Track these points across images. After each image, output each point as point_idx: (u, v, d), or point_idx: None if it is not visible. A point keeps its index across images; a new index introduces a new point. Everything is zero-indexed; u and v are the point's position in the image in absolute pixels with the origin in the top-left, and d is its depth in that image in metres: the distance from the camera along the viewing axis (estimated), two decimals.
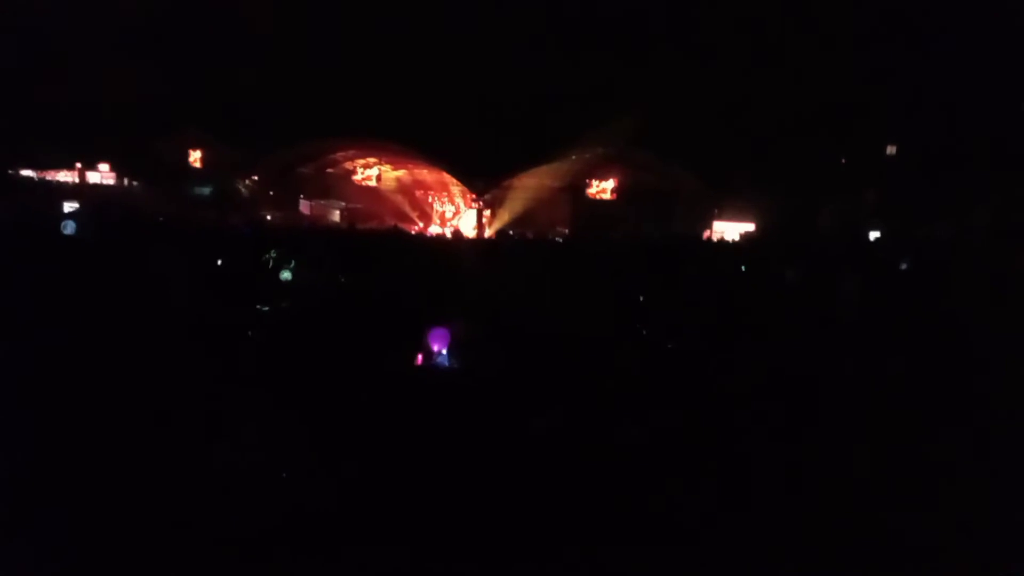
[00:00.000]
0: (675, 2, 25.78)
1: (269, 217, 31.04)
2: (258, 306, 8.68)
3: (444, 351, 7.26)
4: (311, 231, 23.32)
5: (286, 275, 11.20)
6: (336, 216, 33.59)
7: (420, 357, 7.15)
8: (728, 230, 29.61)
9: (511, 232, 29.30)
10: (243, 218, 24.07)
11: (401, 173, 34.49)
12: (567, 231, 29.89)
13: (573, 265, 15.54)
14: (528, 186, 30.52)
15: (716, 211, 30.26)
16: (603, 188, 31.59)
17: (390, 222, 30.25)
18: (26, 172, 30.97)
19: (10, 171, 30.10)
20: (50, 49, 25.01)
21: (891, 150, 28.57)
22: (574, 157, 29.27)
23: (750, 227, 29.01)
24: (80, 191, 29.42)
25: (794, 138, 26.12)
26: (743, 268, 16.57)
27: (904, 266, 15.61)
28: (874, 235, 26.06)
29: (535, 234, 27.65)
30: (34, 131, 28.96)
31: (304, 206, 33.99)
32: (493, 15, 26.15)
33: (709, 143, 26.07)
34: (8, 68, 24.56)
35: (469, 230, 31.42)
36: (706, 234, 29.91)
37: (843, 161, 28.60)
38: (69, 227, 10.88)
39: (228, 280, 9.35)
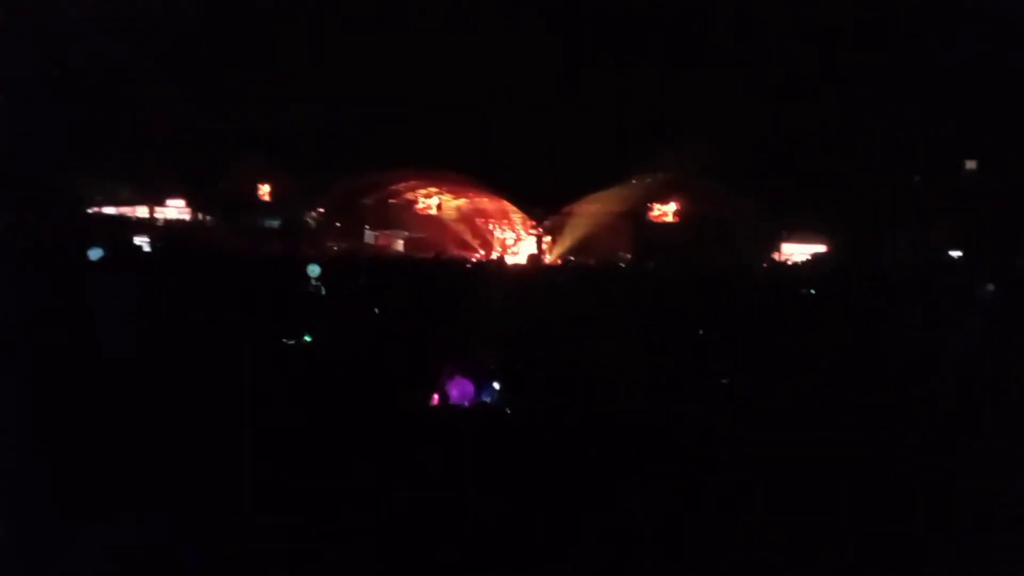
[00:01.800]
0: (737, 27, 25.30)
1: (335, 248, 31.70)
2: (284, 339, 8.67)
3: (471, 389, 7.03)
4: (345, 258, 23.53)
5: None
6: (399, 245, 34.04)
7: (436, 397, 6.93)
8: (797, 252, 28.69)
9: (571, 258, 29.07)
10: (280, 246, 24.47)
11: (462, 202, 34.75)
12: (629, 257, 29.45)
13: (630, 293, 15.20)
14: (588, 212, 30.29)
15: (784, 233, 29.39)
16: (664, 212, 31.08)
17: (451, 250, 30.45)
18: (108, 209, 32.46)
19: (94, 208, 31.60)
20: (125, 88, 26.16)
21: (971, 165, 27.27)
22: (635, 182, 28.91)
23: (820, 248, 28.03)
24: (152, 226, 30.60)
25: (866, 156, 25.19)
26: (812, 293, 15.92)
27: (989, 290, 14.68)
28: (954, 255, 24.85)
29: (596, 260, 27.33)
30: (113, 169, 30.44)
31: (368, 236, 34.57)
32: (554, 46, 26.21)
33: (775, 163, 25.39)
34: (86, 108, 25.85)
35: (531, 256, 31.33)
36: (775, 256, 29.06)
37: (917, 178, 27.42)
38: (95, 254, 11.15)
39: (250, 309, 9.40)
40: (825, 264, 25.04)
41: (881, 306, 11.56)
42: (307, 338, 8.77)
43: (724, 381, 8.59)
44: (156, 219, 32.91)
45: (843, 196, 25.50)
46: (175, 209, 34.13)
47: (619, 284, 18.79)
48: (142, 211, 33.47)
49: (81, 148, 27.35)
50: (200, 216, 34.31)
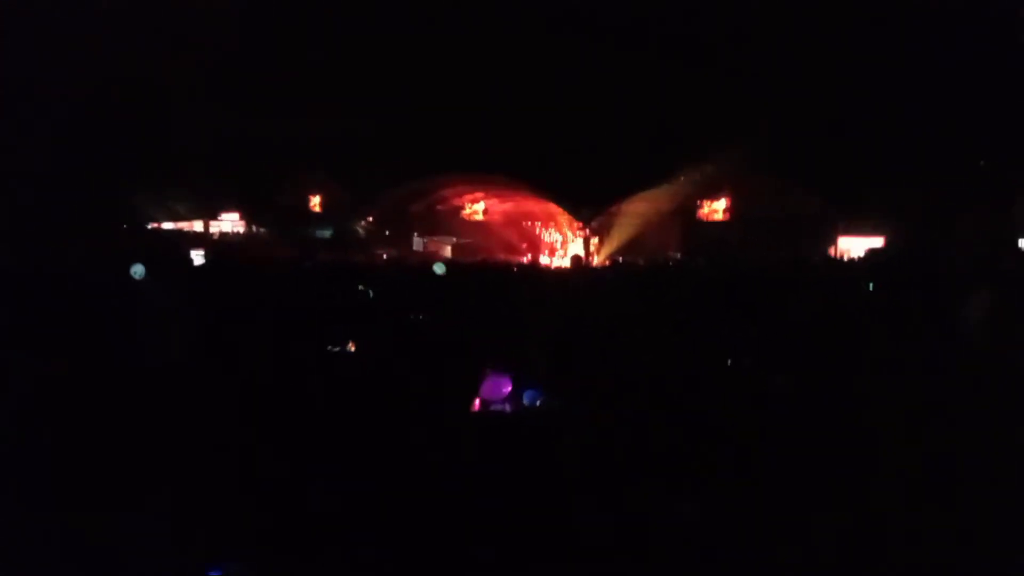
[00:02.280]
0: (786, 12, 24.58)
1: (385, 255, 32.02)
2: (329, 347, 8.64)
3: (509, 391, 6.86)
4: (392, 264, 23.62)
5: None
6: (448, 251, 34.20)
7: (478, 403, 6.79)
8: (855, 246, 27.76)
9: (619, 259, 28.74)
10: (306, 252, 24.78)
11: (508, 205, 34.72)
12: (678, 255, 28.96)
13: (680, 291, 14.84)
14: (636, 212, 29.91)
15: (841, 225, 28.49)
16: (715, 209, 30.48)
17: (499, 254, 30.42)
18: (167, 224, 33.42)
19: (152, 224, 32.57)
20: (178, 103, 26.84)
21: None
22: (683, 179, 28.42)
23: (878, 241, 27.08)
24: (206, 239, 31.35)
25: (927, 140, 24.17)
26: (870, 288, 15.31)
27: None
28: None
29: (645, 260, 26.94)
30: (170, 184, 31.35)
31: (417, 243, 34.82)
32: (597, 44, 25.97)
33: (829, 153, 24.60)
34: (141, 124, 26.62)
35: (580, 258, 31.08)
36: (831, 251, 28.20)
37: (982, 164, 26.20)
38: (138, 272, 11.30)
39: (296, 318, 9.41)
40: (886, 257, 24.14)
41: (948, 301, 10.98)
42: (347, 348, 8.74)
43: (780, 380, 8.27)
44: (211, 233, 33.72)
45: (904, 185, 24.55)
46: (229, 222, 34.94)
47: (668, 282, 18.42)
48: (198, 225, 34.36)
49: (138, 166, 28.29)
50: (254, 228, 35.06)
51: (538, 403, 7.21)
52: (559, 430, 6.64)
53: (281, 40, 26.90)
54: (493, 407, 6.82)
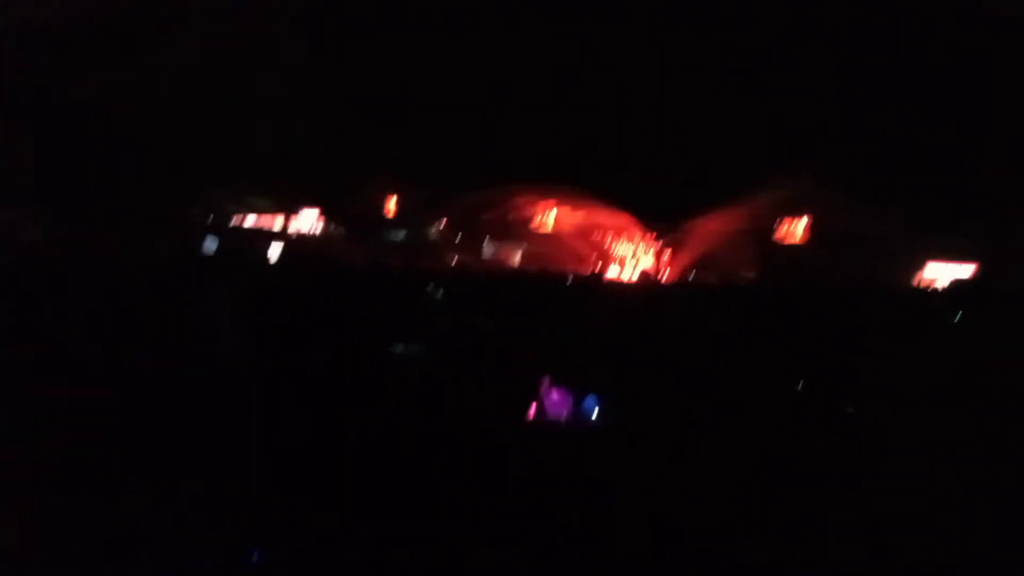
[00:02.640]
0: (870, 18, 23.63)
1: (455, 261, 32.31)
2: (392, 348, 8.70)
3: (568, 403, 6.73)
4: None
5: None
6: (517, 259, 34.19)
7: (533, 410, 6.68)
8: (944, 274, 26.45)
9: (691, 277, 28.22)
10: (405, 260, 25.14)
11: (580, 216, 34.48)
12: (752, 276, 28.23)
13: (749, 312, 14.45)
14: (709, 229, 29.26)
15: (928, 251, 27.19)
16: (792, 231, 29.57)
17: (568, 265, 30.25)
18: (249, 219, 34.50)
19: (236, 219, 33.69)
20: (258, 100, 27.73)
21: None
22: (760, 197, 27.68)
23: (968, 270, 25.71)
24: (284, 235, 32.21)
25: None
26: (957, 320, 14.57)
27: None
28: None
29: (717, 279, 26.41)
30: (250, 179, 32.44)
31: (487, 250, 34.93)
32: (677, 54, 25.63)
33: (919, 172, 23.49)
34: (221, 120, 27.60)
35: (649, 272, 30.70)
36: (915, 280, 26.98)
37: None
38: (210, 245, 11.64)
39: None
40: (977, 286, 22.88)
41: None
42: None
43: (849, 410, 7.93)
44: (289, 231, 34.62)
45: (1003, 208, 23.18)
46: (308, 221, 35.75)
47: (739, 303, 17.98)
48: (279, 221, 35.32)
49: (220, 161, 29.33)
50: (332, 228, 35.85)
51: (594, 415, 7.09)
52: (614, 447, 6.51)
53: (363, 43, 27.50)
54: (551, 416, 6.74)
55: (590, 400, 7.07)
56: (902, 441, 6.25)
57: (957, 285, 23.22)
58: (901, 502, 5.36)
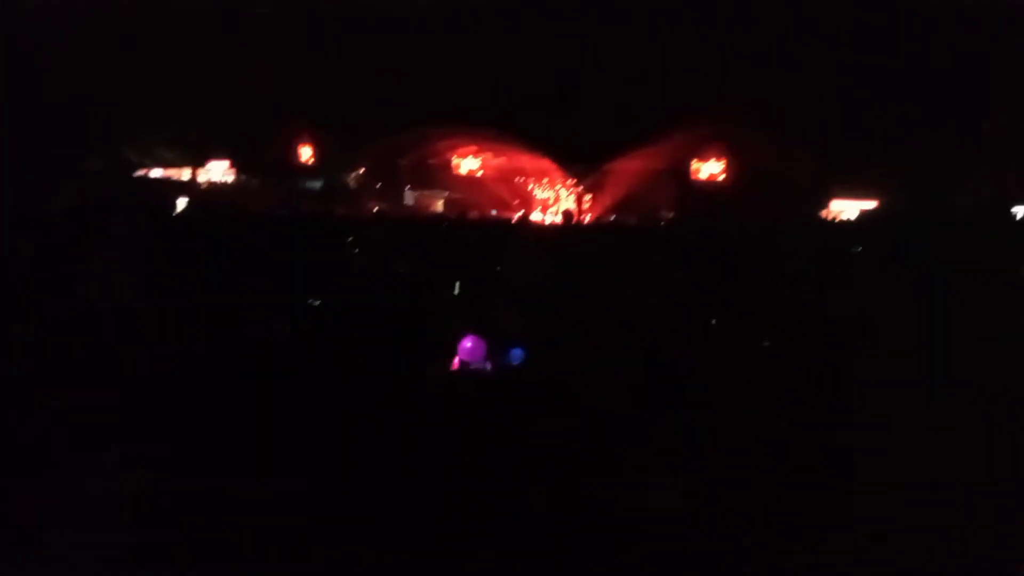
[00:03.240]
0: None
1: (376, 209, 31.71)
2: (309, 300, 8.55)
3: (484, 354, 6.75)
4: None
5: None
6: (439, 206, 33.85)
7: (456, 362, 6.70)
8: (847, 209, 27.61)
9: (612, 217, 28.57)
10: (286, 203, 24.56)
11: (501, 161, 34.27)
12: (671, 215, 28.79)
13: (668, 252, 14.75)
14: (629, 170, 29.56)
15: (834, 188, 28.27)
16: (708, 170, 30.20)
17: (490, 210, 30.17)
18: (155, 172, 32.94)
19: (141, 171, 32.11)
20: (169, 49, 26.28)
21: None
22: (677, 137, 28.06)
23: (871, 204, 26.92)
24: (193, 188, 30.96)
25: (926, 99, 23.66)
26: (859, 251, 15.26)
27: None
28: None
29: (637, 219, 26.82)
30: (159, 131, 30.90)
31: (408, 197, 34.43)
32: None
33: (826, 111, 24.16)
34: (129, 69, 26.06)
35: (565, 216, 30.95)
36: (823, 214, 28.06)
37: (984, 123, 25.62)
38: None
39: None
40: (878, 220, 23.98)
41: (940, 268, 10.90)
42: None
43: (765, 344, 8.23)
44: (199, 181, 33.25)
45: (901, 147, 24.19)
46: (219, 171, 34.41)
47: (658, 243, 18.32)
48: (186, 173, 33.85)
49: (127, 111, 27.77)
50: (244, 178, 34.58)
51: (518, 363, 7.14)
52: (537, 390, 6.59)
53: None
54: (474, 366, 6.75)
55: (516, 350, 7.10)
56: (816, 372, 6.54)
57: (866, 215, 24.28)
58: (815, 433, 5.61)
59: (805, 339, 7.65)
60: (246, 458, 5.09)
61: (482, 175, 34.23)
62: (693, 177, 30.68)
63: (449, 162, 34.46)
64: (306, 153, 34.34)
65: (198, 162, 33.50)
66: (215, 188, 32.40)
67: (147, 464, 4.93)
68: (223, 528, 4.44)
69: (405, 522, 4.61)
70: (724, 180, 29.96)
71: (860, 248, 14.64)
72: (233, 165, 34.10)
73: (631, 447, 5.60)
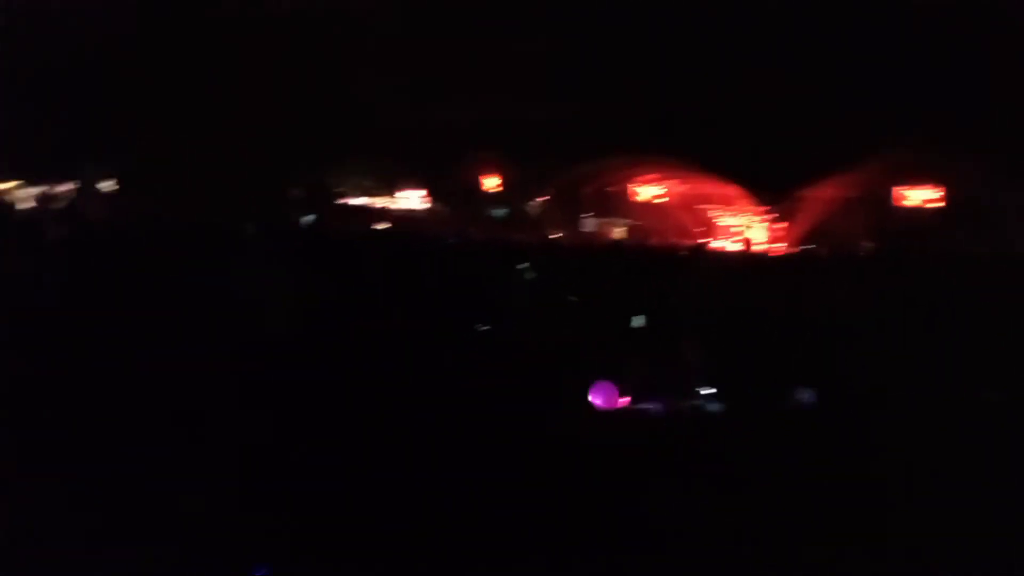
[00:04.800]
0: None
1: (556, 236, 32.15)
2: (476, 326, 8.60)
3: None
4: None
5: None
6: (619, 233, 33.59)
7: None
8: None
9: (807, 246, 27.02)
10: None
11: (685, 188, 33.49)
12: (871, 245, 26.65)
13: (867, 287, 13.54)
14: (825, 197, 27.80)
15: None
16: (911, 196, 27.73)
17: (672, 238, 29.53)
18: (357, 200, 35.59)
19: (342, 199, 34.79)
20: (367, 86, 28.34)
21: None
22: (878, 161, 25.99)
23: None
24: (390, 215, 33.03)
25: None
26: None
27: None
28: None
29: (831, 249, 25.14)
30: (359, 163, 33.45)
31: (589, 224, 34.51)
32: (779, 15, 24.36)
33: None
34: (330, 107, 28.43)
35: (759, 244, 29.62)
36: None
37: None
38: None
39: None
40: None
41: None
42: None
43: (991, 397, 7.21)
44: (393, 209, 35.36)
45: None
46: (416, 198, 36.43)
47: (859, 273, 16.95)
48: (383, 201, 36.16)
49: (329, 146, 30.31)
50: (437, 205, 36.40)
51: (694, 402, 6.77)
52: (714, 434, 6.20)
53: (460, 23, 27.54)
54: (642, 405, 6.46)
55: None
56: None
57: None
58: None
59: None
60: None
61: (664, 203, 33.61)
62: (896, 204, 28.32)
63: (630, 189, 34.20)
64: (492, 182, 35.55)
65: (391, 191, 35.72)
66: (409, 214, 34.34)
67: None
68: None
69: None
70: (931, 208, 27.38)
71: None
72: (429, 194, 36.06)
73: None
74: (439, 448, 5.60)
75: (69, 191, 28.81)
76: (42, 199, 27.38)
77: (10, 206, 25.94)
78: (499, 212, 35.25)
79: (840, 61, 23.83)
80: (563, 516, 4.87)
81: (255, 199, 24.65)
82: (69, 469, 5.38)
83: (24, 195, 27.32)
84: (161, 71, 26.35)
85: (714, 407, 6.73)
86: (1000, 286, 13.14)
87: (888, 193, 28.15)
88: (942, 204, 27.29)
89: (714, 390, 6.86)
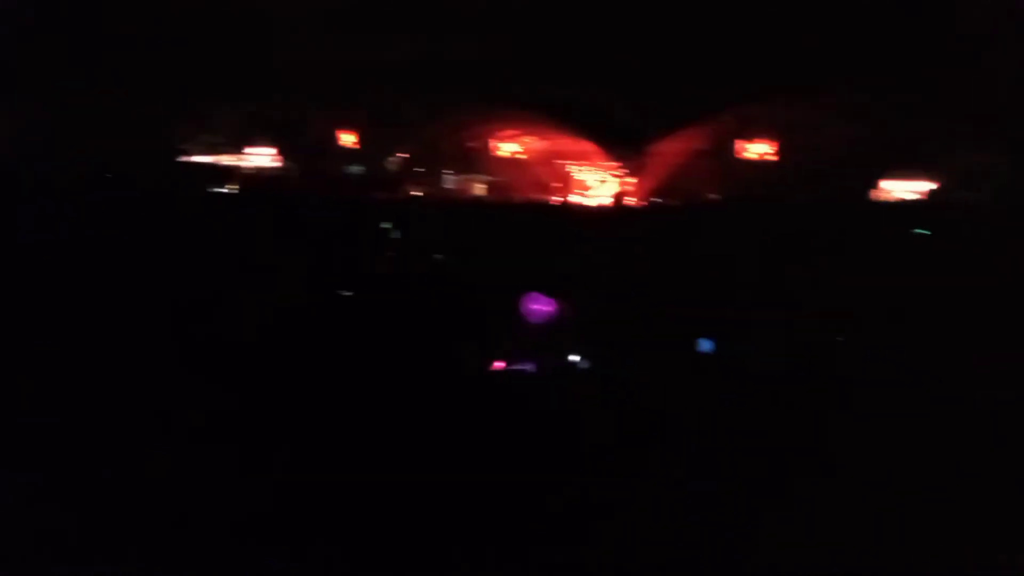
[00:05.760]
0: None
1: (415, 193, 31.77)
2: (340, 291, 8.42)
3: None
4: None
5: None
6: (479, 189, 33.71)
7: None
8: (898, 190, 26.68)
9: (658, 200, 28.19)
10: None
11: (542, 144, 34.00)
12: (718, 197, 28.27)
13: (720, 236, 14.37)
14: (674, 151, 29.09)
15: (885, 168, 27.36)
16: (756, 150, 29.53)
17: (531, 194, 29.96)
18: (197, 158, 33.42)
19: (182, 157, 32.61)
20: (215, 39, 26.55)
21: None
22: (726, 116, 27.47)
23: (932, 185, 25.90)
24: (238, 174, 31.37)
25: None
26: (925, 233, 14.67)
27: None
28: None
29: (682, 202, 26.40)
30: (202, 119, 31.37)
31: (448, 181, 34.36)
32: None
33: (882, 82, 23.28)
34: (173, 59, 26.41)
35: (610, 199, 30.64)
36: (873, 195, 27.25)
37: None
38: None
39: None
40: (948, 201, 22.99)
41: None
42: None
43: (840, 339, 7.88)
44: (242, 167, 33.63)
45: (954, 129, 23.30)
46: (265, 157, 34.76)
47: (706, 226, 17.92)
48: (229, 159, 34.24)
49: (171, 99, 28.20)
50: (286, 164, 34.94)
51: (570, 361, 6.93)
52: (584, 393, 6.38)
53: None
54: (516, 367, 6.56)
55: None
56: (888, 365, 6.22)
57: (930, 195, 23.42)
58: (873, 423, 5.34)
59: (878, 333, 7.30)
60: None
61: (523, 158, 33.97)
62: (738, 157, 30.08)
63: (489, 145, 34.27)
64: (347, 139, 34.52)
65: (239, 148, 33.89)
66: (260, 174, 32.76)
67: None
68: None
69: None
70: (774, 160, 29.31)
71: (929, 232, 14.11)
72: (279, 151, 34.46)
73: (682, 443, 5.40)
74: (306, 420, 5.47)
75: None
76: None
77: None
78: (356, 169, 34.40)
79: (688, 21, 24.68)
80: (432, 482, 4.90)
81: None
82: None
83: None
84: None
85: (585, 365, 6.93)
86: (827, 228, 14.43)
87: (732, 147, 29.78)
88: (776, 157, 29.22)
89: (585, 347, 7.06)
